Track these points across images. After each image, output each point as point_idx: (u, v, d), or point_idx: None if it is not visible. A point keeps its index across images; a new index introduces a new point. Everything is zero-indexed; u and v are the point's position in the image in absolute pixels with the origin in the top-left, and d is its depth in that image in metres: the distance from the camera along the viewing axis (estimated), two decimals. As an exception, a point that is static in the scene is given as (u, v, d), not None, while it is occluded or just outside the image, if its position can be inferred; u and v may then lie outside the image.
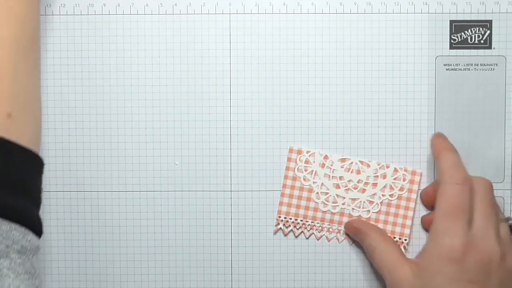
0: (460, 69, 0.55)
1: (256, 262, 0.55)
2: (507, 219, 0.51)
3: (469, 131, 0.55)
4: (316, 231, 0.54)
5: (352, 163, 0.53)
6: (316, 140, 0.55)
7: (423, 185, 0.54)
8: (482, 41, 0.55)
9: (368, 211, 0.54)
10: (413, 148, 0.55)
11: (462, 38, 0.55)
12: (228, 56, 0.54)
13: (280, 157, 0.55)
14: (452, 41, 0.55)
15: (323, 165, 0.53)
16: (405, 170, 0.53)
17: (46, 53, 0.54)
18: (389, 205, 0.53)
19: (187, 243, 0.55)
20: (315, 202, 0.54)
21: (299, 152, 0.53)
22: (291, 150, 0.54)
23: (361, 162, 0.53)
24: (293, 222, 0.54)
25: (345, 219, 0.54)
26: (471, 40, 0.55)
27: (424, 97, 0.55)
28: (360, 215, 0.53)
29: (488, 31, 0.55)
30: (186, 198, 0.55)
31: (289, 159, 0.54)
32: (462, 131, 0.55)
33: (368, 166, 0.54)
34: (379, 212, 0.54)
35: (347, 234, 0.53)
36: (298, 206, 0.54)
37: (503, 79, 0.55)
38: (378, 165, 0.54)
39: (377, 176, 0.53)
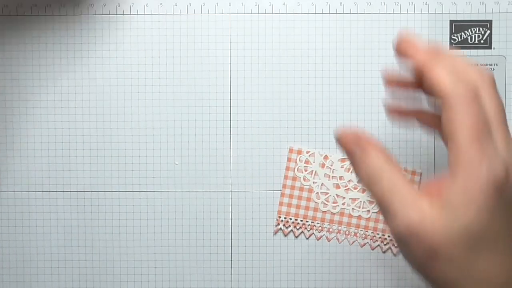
0: (460, 69, 0.55)
1: (256, 262, 0.55)
2: None
3: (469, 131, 0.55)
4: (316, 231, 0.54)
5: None
6: (316, 140, 0.55)
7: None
8: (482, 41, 0.55)
9: (368, 211, 0.54)
10: (413, 148, 0.55)
11: (462, 38, 0.55)
12: (228, 56, 0.54)
13: (280, 157, 0.55)
14: (452, 41, 0.55)
15: (323, 165, 0.53)
16: (405, 170, 0.53)
17: (46, 53, 0.54)
18: None
19: (187, 243, 0.55)
20: (315, 202, 0.54)
21: (299, 152, 0.53)
22: (291, 150, 0.53)
23: None
24: (293, 222, 0.54)
25: (345, 219, 0.54)
26: (471, 40, 0.55)
27: (424, 97, 0.55)
28: (360, 215, 0.54)
29: (488, 31, 0.55)
30: (186, 198, 0.55)
31: (289, 159, 0.54)
32: (462, 131, 0.55)
33: None
34: (379, 212, 0.53)
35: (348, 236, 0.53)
36: (298, 206, 0.54)
37: (503, 79, 0.55)
38: None
39: None
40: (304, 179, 0.53)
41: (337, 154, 0.54)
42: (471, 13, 0.54)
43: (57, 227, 0.55)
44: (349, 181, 0.53)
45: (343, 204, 0.54)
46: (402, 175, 0.38)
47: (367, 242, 0.54)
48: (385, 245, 0.53)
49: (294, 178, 0.54)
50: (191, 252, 0.55)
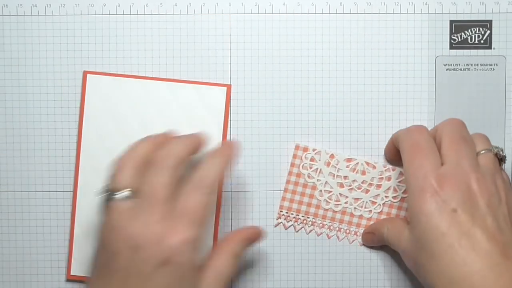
0: (460, 69, 0.55)
1: (256, 262, 0.55)
2: (490, 149, 0.49)
3: (469, 131, 0.55)
4: (317, 227, 0.54)
5: (358, 163, 0.53)
6: (316, 140, 0.55)
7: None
8: (482, 41, 0.55)
9: (370, 211, 0.54)
10: (413, 148, 0.55)
11: (462, 38, 0.55)
12: (228, 56, 0.54)
13: (280, 157, 0.55)
14: (452, 41, 0.55)
15: (328, 164, 0.53)
16: None
17: (46, 53, 0.54)
18: (391, 206, 0.53)
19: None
20: (318, 199, 0.53)
21: (305, 149, 0.53)
22: (297, 147, 0.53)
23: (367, 163, 0.53)
24: (294, 217, 0.54)
25: (347, 218, 0.54)
26: (471, 40, 0.55)
27: (424, 97, 0.55)
28: (361, 215, 0.53)
29: (488, 31, 0.55)
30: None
31: (294, 156, 0.53)
32: (462, 131, 0.55)
33: (374, 167, 0.53)
34: (381, 213, 0.54)
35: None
36: (300, 202, 0.54)
37: (503, 79, 0.55)
38: (384, 167, 0.53)
39: (382, 178, 0.53)
40: (309, 176, 0.53)
41: (343, 154, 0.54)
42: (471, 13, 0.54)
43: (57, 227, 0.55)
44: (354, 181, 0.53)
45: (346, 203, 0.53)
46: (397, 221, 0.51)
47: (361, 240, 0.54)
48: (385, 245, 0.53)
49: (298, 175, 0.54)
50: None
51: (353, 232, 0.54)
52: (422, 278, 0.46)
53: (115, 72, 0.54)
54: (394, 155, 0.53)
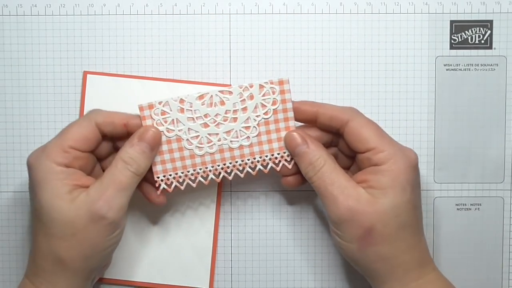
0: (461, 69, 0.54)
1: (256, 262, 0.55)
2: None
3: (469, 131, 0.55)
4: (201, 177, 0.50)
5: (211, 96, 0.49)
6: (316, 140, 0.55)
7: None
8: (482, 41, 0.54)
9: (248, 137, 0.49)
10: (413, 149, 0.54)
11: (463, 38, 0.54)
12: (228, 56, 0.54)
13: (280, 157, 0.55)
14: (452, 41, 0.54)
15: (182, 110, 0.49)
16: (271, 83, 0.49)
17: (46, 53, 0.54)
18: (267, 123, 0.49)
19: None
20: (188, 149, 0.49)
21: (151, 106, 0.48)
22: (141, 109, 0.48)
23: (221, 92, 0.49)
24: (174, 177, 0.50)
25: (227, 155, 0.49)
26: (471, 40, 0.54)
27: (424, 97, 0.55)
28: (241, 145, 0.49)
29: (489, 31, 0.54)
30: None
31: (142, 118, 0.48)
32: (462, 131, 0.55)
33: (230, 93, 0.49)
34: (259, 134, 0.49)
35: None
36: (172, 160, 0.49)
37: (503, 79, 0.55)
38: (241, 88, 0.49)
39: (244, 99, 0.49)
40: (168, 131, 0.49)
41: (192, 94, 0.49)
42: (471, 13, 0.54)
43: None
44: (216, 115, 0.49)
45: (219, 140, 0.49)
46: (339, 167, 0.48)
47: (258, 167, 0.50)
48: (277, 162, 0.50)
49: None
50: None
51: (240, 166, 0.50)
52: None
53: (115, 72, 0.54)
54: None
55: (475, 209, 0.55)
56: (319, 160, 0.47)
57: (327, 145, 0.50)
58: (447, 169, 0.55)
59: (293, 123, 0.49)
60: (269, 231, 0.55)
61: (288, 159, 0.50)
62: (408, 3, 0.54)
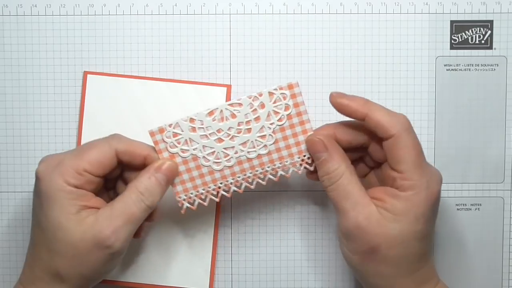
0: (461, 70, 0.54)
1: (256, 262, 0.55)
2: None
3: (469, 131, 0.55)
4: (223, 191, 0.49)
5: (221, 111, 0.48)
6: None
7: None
8: (483, 42, 0.54)
9: (265, 146, 0.48)
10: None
11: (463, 39, 0.54)
12: (228, 56, 0.54)
13: (280, 157, 0.55)
14: (452, 41, 0.54)
15: (193, 129, 0.48)
16: (281, 88, 0.48)
17: (46, 53, 0.54)
18: (282, 129, 0.48)
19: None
20: (206, 166, 0.48)
21: (161, 131, 0.48)
22: (152, 134, 0.48)
23: (231, 105, 0.48)
24: (196, 195, 0.49)
25: (246, 165, 0.49)
26: (471, 40, 0.54)
27: (424, 97, 0.55)
28: (259, 154, 0.48)
29: (489, 31, 0.54)
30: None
31: (155, 143, 0.48)
32: (462, 131, 0.55)
33: (240, 105, 0.48)
34: (276, 142, 0.48)
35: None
36: (192, 179, 0.49)
37: (503, 79, 0.55)
38: (250, 98, 0.48)
39: (255, 109, 0.48)
40: (182, 152, 0.48)
41: (202, 111, 0.48)
42: (471, 13, 0.54)
43: None
44: (229, 129, 0.48)
45: (236, 153, 0.48)
46: (356, 180, 0.47)
47: (280, 173, 0.49)
48: (300, 165, 0.49)
49: (172, 157, 0.48)
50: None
51: (261, 174, 0.49)
52: None
53: (115, 72, 0.54)
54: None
55: (475, 209, 0.55)
56: (336, 172, 0.46)
57: (358, 146, 0.49)
58: (447, 169, 0.55)
59: (309, 126, 0.48)
60: (269, 231, 0.55)
61: (309, 161, 0.49)
62: (408, 3, 0.54)
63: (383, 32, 0.54)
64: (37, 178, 0.46)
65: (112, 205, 0.46)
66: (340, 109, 0.47)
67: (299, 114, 0.48)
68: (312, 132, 0.48)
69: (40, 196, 0.46)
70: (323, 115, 0.55)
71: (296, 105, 0.48)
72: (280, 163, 0.49)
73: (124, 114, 0.54)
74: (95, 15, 0.54)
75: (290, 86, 0.47)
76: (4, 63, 0.54)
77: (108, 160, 0.47)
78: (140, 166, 0.48)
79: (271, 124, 0.48)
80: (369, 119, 0.46)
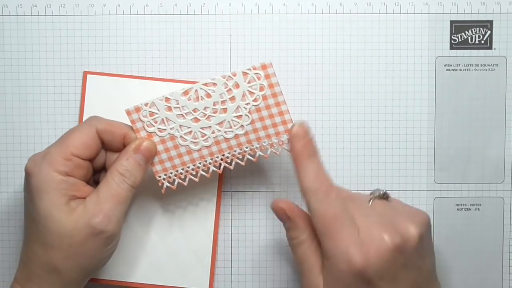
0: (461, 70, 0.55)
1: (256, 262, 0.55)
2: (378, 195, 0.48)
3: (469, 131, 0.55)
4: (203, 171, 0.50)
5: (196, 90, 0.48)
6: (316, 140, 0.54)
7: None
8: (482, 42, 0.54)
9: (242, 126, 0.49)
10: (413, 149, 0.55)
11: (463, 39, 0.54)
12: (228, 56, 0.54)
13: (281, 157, 0.55)
14: (452, 41, 0.54)
15: (169, 108, 0.48)
16: (254, 69, 0.48)
17: (46, 53, 0.54)
18: (258, 110, 0.48)
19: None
20: (183, 145, 0.49)
21: (137, 110, 0.48)
22: (128, 113, 0.48)
23: (205, 84, 0.48)
24: (175, 175, 0.50)
25: (224, 146, 0.49)
26: (471, 40, 0.54)
27: (424, 97, 0.55)
28: (236, 134, 0.49)
29: (489, 32, 0.54)
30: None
31: (132, 122, 0.48)
32: (462, 131, 0.55)
33: (214, 84, 0.48)
34: (252, 122, 0.49)
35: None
36: (170, 159, 0.49)
37: (503, 79, 0.55)
38: (224, 78, 0.48)
39: (230, 89, 0.48)
40: (160, 131, 0.49)
41: (177, 91, 0.48)
42: (471, 13, 0.54)
43: None
44: (205, 108, 0.48)
45: (213, 133, 0.49)
46: (316, 249, 0.47)
47: (258, 153, 0.49)
48: (278, 146, 0.49)
49: (149, 136, 0.49)
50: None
51: (239, 155, 0.50)
52: None
53: (115, 72, 0.54)
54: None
55: (475, 209, 0.55)
56: (298, 239, 0.48)
57: None
58: (447, 169, 0.55)
59: (285, 107, 0.48)
60: (269, 231, 0.55)
61: (287, 144, 0.49)
62: (408, 3, 0.54)
63: (383, 32, 0.54)
64: (27, 174, 0.46)
65: (97, 190, 0.46)
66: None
67: (274, 95, 0.48)
68: (289, 116, 0.48)
69: (30, 190, 0.46)
70: (323, 115, 0.55)
71: (271, 85, 0.48)
72: (258, 144, 0.49)
73: (124, 114, 0.54)
74: (95, 15, 0.54)
75: (263, 67, 0.48)
76: (4, 63, 0.54)
77: (91, 140, 0.47)
78: (120, 147, 0.49)
79: (246, 104, 0.48)
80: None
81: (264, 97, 0.48)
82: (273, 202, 0.49)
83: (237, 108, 0.48)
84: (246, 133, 0.49)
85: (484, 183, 0.55)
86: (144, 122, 0.48)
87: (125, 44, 0.54)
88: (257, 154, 0.49)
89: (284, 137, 0.49)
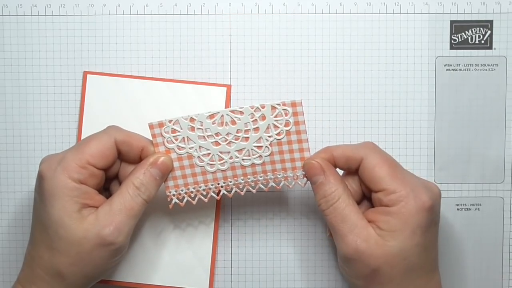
0: (461, 70, 0.54)
1: (256, 262, 0.55)
2: None
3: (469, 131, 0.55)
4: (213, 193, 0.50)
5: (222, 116, 0.48)
6: (316, 140, 0.55)
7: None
8: (482, 42, 0.54)
9: (260, 156, 0.49)
10: (413, 149, 0.55)
11: (463, 39, 0.54)
12: (228, 56, 0.54)
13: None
14: (452, 41, 0.54)
15: (192, 129, 0.48)
16: (284, 104, 0.48)
17: (46, 53, 0.54)
18: (279, 143, 0.49)
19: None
20: (200, 166, 0.49)
21: (161, 125, 0.48)
22: (151, 127, 0.48)
23: (232, 111, 0.48)
24: (185, 192, 0.50)
25: (239, 172, 0.49)
26: (471, 40, 0.54)
27: (424, 97, 0.55)
28: (253, 163, 0.49)
29: (489, 32, 0.54)
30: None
31: (153, 136, 0.48)
32: (462, 131, 0.55)
33: (241, 113, 0.48)
34: (272, 154, 0.49)
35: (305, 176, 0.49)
36: (184, 176, 0.49)
37: (503, 79, 0.55)
38: (252, 108, 0.48)
39: (256, 120, 0.48)
40: (178, 148, 0.49)
41: (203, 113, 0.48)
42: (471, 13, 0.54)
43: None
44: (227, 134, 0.49)
45: (230, 158, 0.49)
46: (354, 203, 0.47)
47: (271, 184, 0.50)
48: (292, 180, 0.50)
49: (168, 152, 0.49)
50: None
51: (252, 182, 0.50)
52: None
53: (115, 72, 0.54)
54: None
55: (475, 209, 0.55)
56: (333, 194, 0.47)
57: (356, 169, 0.49)
58: (447, 169, 0.55)
59: (307, 145, 0.49)
60: (269, 231, 0.55)
61: (303, 180, 0.49)
62: (408, 3, 0.54)
63: (383, 32, 0.54)
64: (40, 177, 0.46)
65: (110, 201, 0.46)
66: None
67: (298, 132, 0.48)
68: (309, 154, 0.49)
69: (42, 194, 0.46)
70: (323, 115, 0.55)
71: (296, 123, 0.48)
72: (272, 175, 0.50)
73: (124, 114, 0.54)
74: (95, 15, 0.54)
75: (293, 104, 0.48)
76: (4, 63, 0.54)
77: (109, 150, 0.47)
78: (136, 159, 0.48)
79: (269, 136, 0.48)
80: (338, 159, 0.48)
81: (288, 133, 0.48)
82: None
83: (259, 138, 0.49)
84: (263, 164, 0.49)
85: (484, 183, 0.55)
86: (165, 137, 0.48)
87: (125, 44, 0.54)
88: (270, 185, 0.50)
89: (300, 173, 0.49)
